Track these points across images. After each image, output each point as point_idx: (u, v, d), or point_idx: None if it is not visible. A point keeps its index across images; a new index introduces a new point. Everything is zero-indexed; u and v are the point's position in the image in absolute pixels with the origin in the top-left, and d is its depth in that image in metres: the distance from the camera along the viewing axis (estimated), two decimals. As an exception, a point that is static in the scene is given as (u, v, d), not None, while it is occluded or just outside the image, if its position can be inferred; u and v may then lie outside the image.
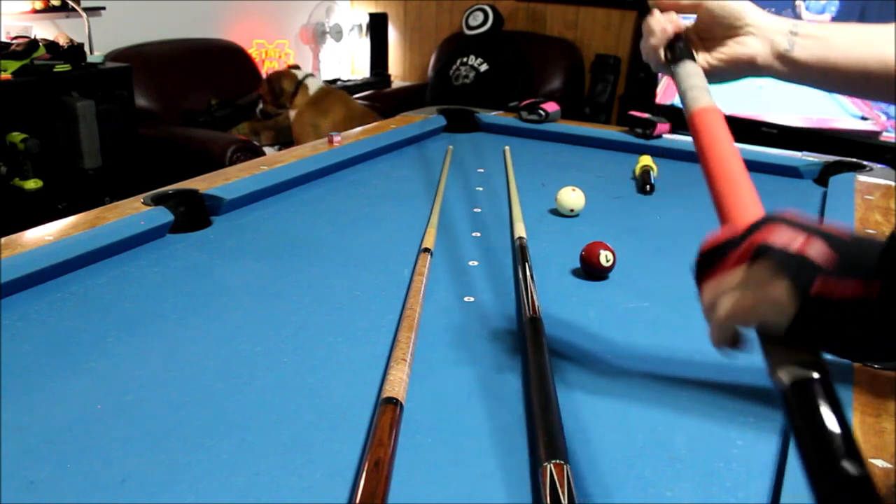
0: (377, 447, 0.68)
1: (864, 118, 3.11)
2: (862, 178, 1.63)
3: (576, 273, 1.17)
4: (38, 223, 1.21)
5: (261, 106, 3.79)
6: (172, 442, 0.74)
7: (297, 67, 3.89)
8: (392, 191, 1.62)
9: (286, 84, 3.70)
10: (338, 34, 4.82)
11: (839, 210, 1.42)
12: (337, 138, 1.81)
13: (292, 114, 3.73)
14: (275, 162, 1.62)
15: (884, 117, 3.06)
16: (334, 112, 3.70)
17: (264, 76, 3.88)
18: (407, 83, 4.96)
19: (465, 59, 4.26)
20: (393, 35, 5.03)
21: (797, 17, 3.33)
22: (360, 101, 4.17)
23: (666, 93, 3.62)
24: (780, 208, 0.53)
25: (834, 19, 3.22)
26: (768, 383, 0.88)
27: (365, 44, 4.98)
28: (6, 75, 2.83)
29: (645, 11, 0.88)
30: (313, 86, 3.72)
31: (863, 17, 3.12)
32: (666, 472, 0.71)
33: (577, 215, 1.45)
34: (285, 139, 3.85)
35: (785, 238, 0.48)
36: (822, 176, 1.69)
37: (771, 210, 0.53)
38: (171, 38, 3.84)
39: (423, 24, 4.93)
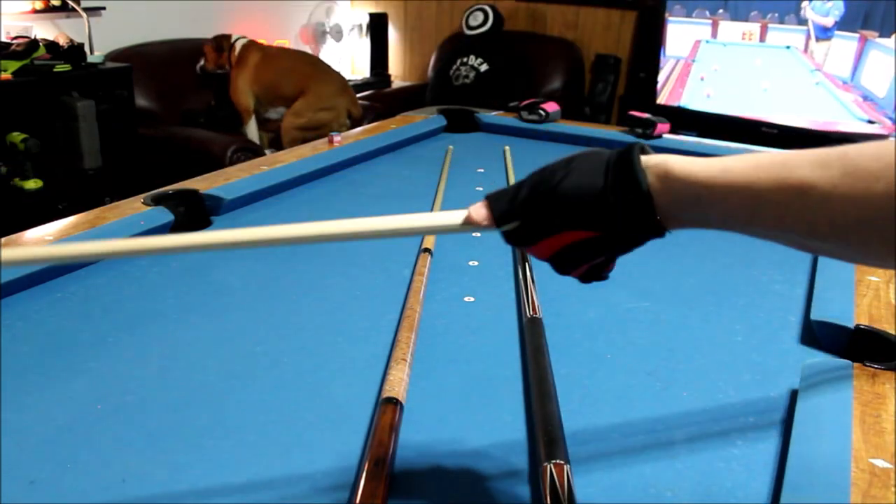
0: (377, 447, 0.68)
1: (870, 122, 3.11)
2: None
3: (576, 273, 1.17)
4: (38, 223, 1.21)
5: (202, 63, 3.81)
6: (172, 442, 0.74)
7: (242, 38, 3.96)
8: (392, 191, 1.62)
9: (225, 42, 3.80)
10: (338, 34, 4.82)
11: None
12: (337, 138, 1.81)
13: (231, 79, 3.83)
14: (275, 162, 1.62)
15: (889, 121, 3.06)
16: (251, 63, 3.78)
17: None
18: (407, 83, 4.96)
19: (465, 59, 4.26)
20: (393, 35, 5.03)
21: (802, 20, 3.33)
22: (361, 98, 4.17)
23: (670, 95, 3.62)
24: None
25: (838, 23, 3.21)
26: (768, 384, 0.88)
27: (365, 44, 4.97)
28: (6, 75, 2.83)
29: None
30: (239, 44, 3.82)
31: (866, 23, 3.12)
32: (666, 472, 0.71)
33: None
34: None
35: None
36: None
37: None
38: (171, 38, 3.84)
39: (423, 24, 4.93)
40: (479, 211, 0.62)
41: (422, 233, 0.67)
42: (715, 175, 0.52)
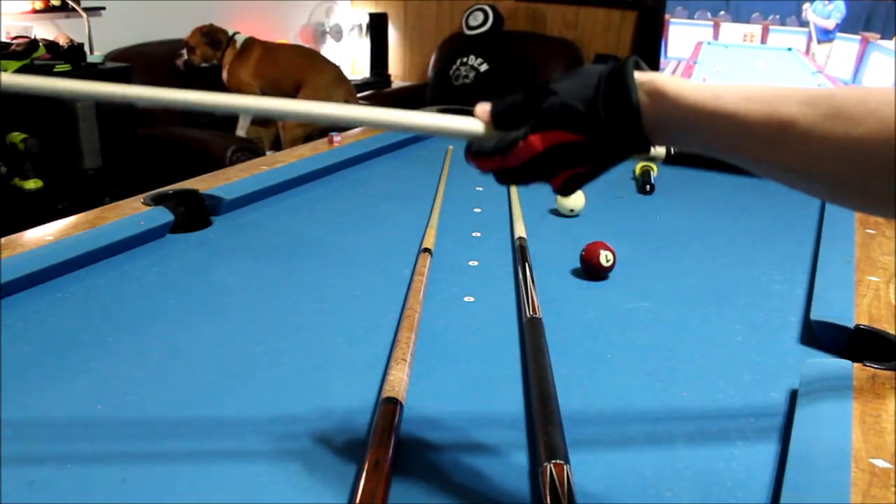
0: (377, 447, 0.68)
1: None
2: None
3: (576, 273, 1.17)
4: (38, 223, 1.21)
5: (185, 57, 3.68)
6: (172, 442, 0.74)
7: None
8: (392, 191, 1.62)
9: (222, 36, 3.71)
10: (338, 34, 4.81)
11: (839, 210, 1.42)
12: (337, 138, 1.81)
13: (224, 73, 3.75)
14: (275, 162, 1.62)
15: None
16: (253, 57, 3.75)
17: (194, 30, 3.75)
18: (407, 83, 4.96)
19: (465, 59, 4.25)
20: (393, 35, 5.03)
21: (803, 22, 3.32)
22: (360, 100, 4.18)
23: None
24: None
25: (839, 25, 3.21)
26: (768, 384, 0.88)
27: (365, 44, 4.97)
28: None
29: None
30: (239, 40, 3.78)
31: (868, 25, 3.12)
32: (666, 472, 0.71)
33: (577, 215, 1.45)
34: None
35: None
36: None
37: None
38: (171, 38, 3.84)
39: (423, 24, 4.93)
40: (483, 107, 0.65)
41: (429, 131, 0.70)
42: (705, 100, 0.53)
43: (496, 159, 0.63)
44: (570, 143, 0.58)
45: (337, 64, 4.04)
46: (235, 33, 3.81)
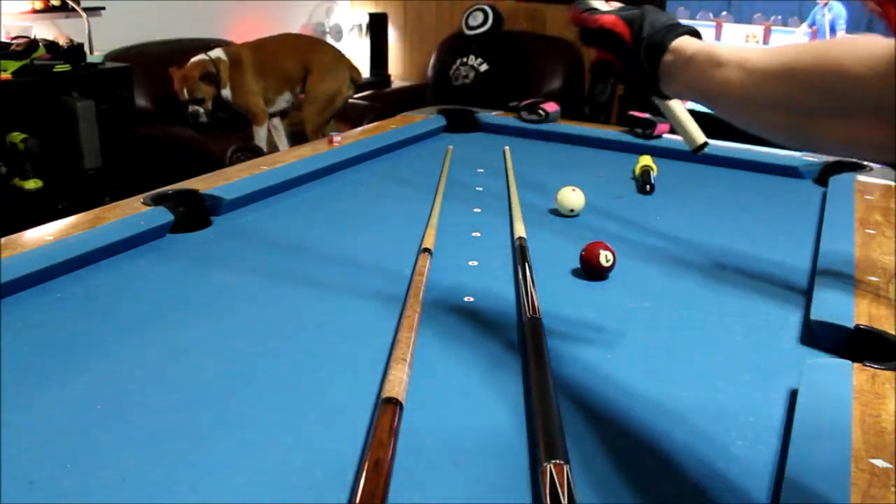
0: (377, 447, 0.68)
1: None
2: (862, 178, 1.63)
3: (576, 273, 1.17)
4: (38, 223, 1.21)
5: (200, 110, 3.47)
6: (172, 442, 0.74)
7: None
8: (392, 191, 1.62)
9: (210, 66, 3.52)
10: (338, 34, 4.81)
11: (839, 210, 1.42)
12: (337, 138, 1.81)
13: (228, 91, 3.60)
14: (275, 162, 1.62)
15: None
16: (247, 61, 3.66)
17: (182, 81, 3.48)
18: (407, 83, 4.96)
19: (465, 60, 4.26)
20: (393, 35, 5.03)
21: (809, 23, 3.32)
22: (360, 100, 4.18)
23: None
24: None
25: (846, 29, 3.21)
26: (768, 384, 0.88)
27: (365, 44, 4.98)
28: (6, 75, 2.83)
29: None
30: (224, 55, 3.59)
31: (871, 26, 3.12)
32: (666, 472, 0.71)
33: (577, 215, 1.45)
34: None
35: None
36: (822, 176, 1.69)
37: None
38: (171, 38, 3.84)
39: (423, 24, 4.93)
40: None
41: None
42: (688, 56, 0.76)
43: (583, 15, 0.87)
44: (622, 38, 0.81)
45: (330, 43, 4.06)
46: (214, 52, 3.58)
